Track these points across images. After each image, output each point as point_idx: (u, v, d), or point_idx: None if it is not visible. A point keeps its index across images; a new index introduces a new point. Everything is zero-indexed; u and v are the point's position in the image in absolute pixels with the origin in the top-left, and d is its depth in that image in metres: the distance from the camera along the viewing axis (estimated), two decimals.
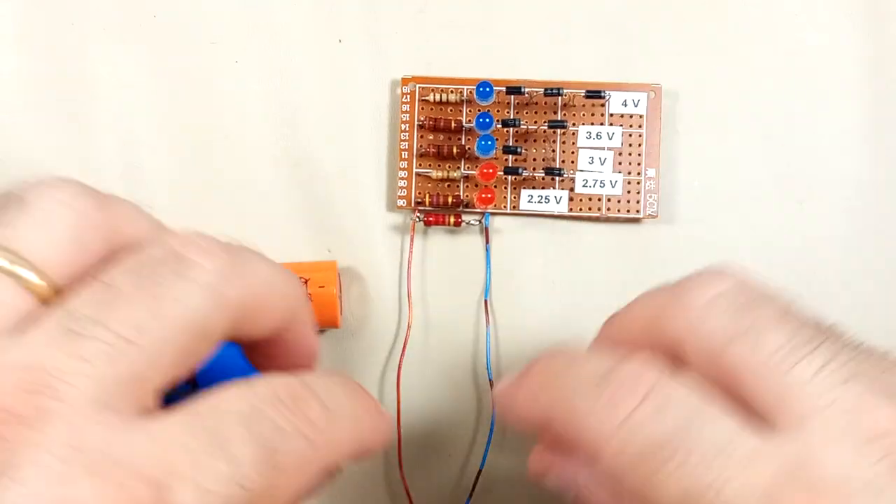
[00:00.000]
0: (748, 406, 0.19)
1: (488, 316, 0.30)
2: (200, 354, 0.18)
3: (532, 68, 0.31)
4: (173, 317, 0.17)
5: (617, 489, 0.21)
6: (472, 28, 0.31)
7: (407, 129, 0.31)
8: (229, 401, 0.18)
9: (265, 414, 0.18)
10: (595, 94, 0.30)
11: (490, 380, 0.30)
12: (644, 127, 0.30)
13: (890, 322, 0.30)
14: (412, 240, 0.30)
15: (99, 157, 0.31)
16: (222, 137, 0.31)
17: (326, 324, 0.29)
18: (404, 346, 0.30)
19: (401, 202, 0.31)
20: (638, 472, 0.19)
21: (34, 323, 0.17)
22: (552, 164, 0.30)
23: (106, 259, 0.18)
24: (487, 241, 0.30)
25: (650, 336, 0.21)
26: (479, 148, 0.29)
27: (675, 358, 0.20)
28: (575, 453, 0.22)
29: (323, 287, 0.29)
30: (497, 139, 0.30)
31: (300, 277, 0.28)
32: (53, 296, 0.18)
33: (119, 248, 0.19)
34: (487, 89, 0.29)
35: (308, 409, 0.19)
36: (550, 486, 0.25)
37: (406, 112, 0.31)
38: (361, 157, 0.31)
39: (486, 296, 0.30)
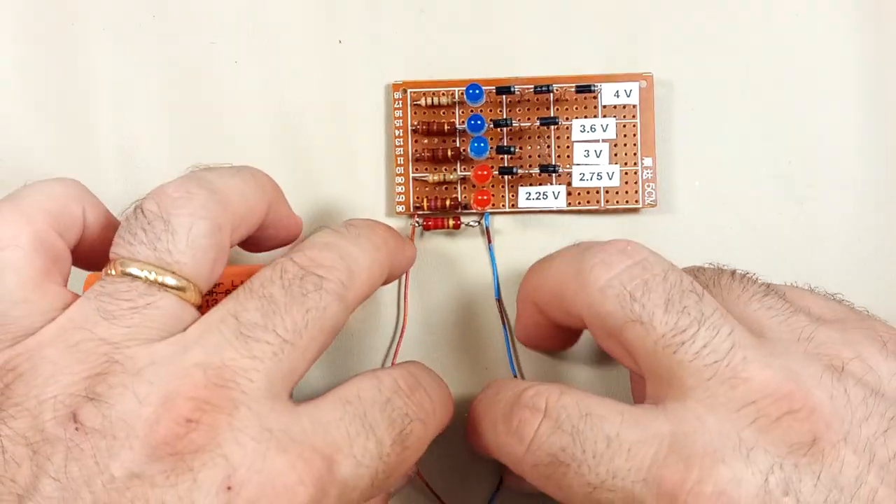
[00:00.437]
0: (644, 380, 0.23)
1: (503, 315, 0.30)
2: (329, 344, 0.23)
3: (534, 66, 0.31)
4: (319, 321, 0.22)
5: None
6: (472, 28, 0.31)
7: (401, 134, 0.31)
8: (368, 391, 0.22)
9: (394, 403, 0.22)
10: (585, 89, 0.30)
11: (514, 376, 0.30)
12: (637, 117, 0.30)
13: (890, 322, 0.30)
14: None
15: (98, 156, 0.31)
16: (222, 137, 0.31)
17: None
18: (397, 349, 0.30)
19: (399, 208, 0.31)
20: (551, 481, 0.22)
21: (207, 328, 0.21)
22: (547, 161, 0.30)
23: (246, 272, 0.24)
24: (490, 241, 0.30)
25: (559, 307, 0.25)
26: (472, 150, 0.29)
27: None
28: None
29: None
30: (491, 139, 0.30)
31: None
32: (202, 301, 0.23)
33: (239, 233, 0.24)
34: (477, 91, 0.29)
35: (421, 399, 0.23)
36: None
37: (399, 118, 0.31)
38: (361, 161, 0.31)
39: (496, 295, 0.30)
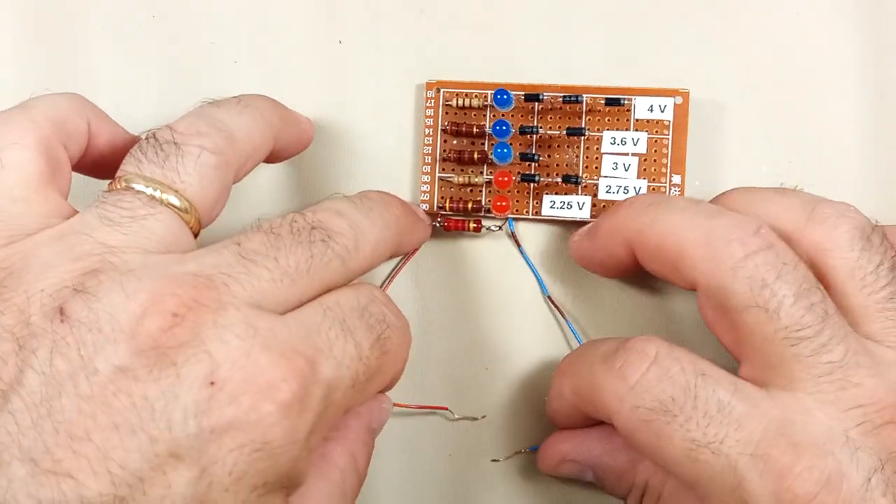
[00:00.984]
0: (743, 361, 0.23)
1: (560, 309, 0.30)
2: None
3: (534, 67, 0.31)
4: (320, 272, 0.22)
5: (629, 456, 0.26)
6: (472, 29, 0.31)
7: (431, 133, 0.31)
8: (345, 298, 0.23)
9: (371, 310, 0.23)
10: (615, 102, 0.29)
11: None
12: (671, 133, 0.30)
13: None
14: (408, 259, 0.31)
15: None
16: None
17: None
18: None
19: (423, 206, 0.31)
20: (648, 429, 0.22)
21: (207, 249, 0.22)
22: (574, 171, 0.30)
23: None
24: (519, 245, 0.31)
25: (667, 261, 0.25)
26: (495, 155, 0.29)
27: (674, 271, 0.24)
28: (590, 434, 0.27)
29: None
30: (520, 145, 0.30)
31: None
32: (199, 228, 0.23)
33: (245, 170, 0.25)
34: (505, 96, 0.29)
35: (396, 310, 0.24)
36: (567, 474, 0.28)
37: (430, 117, 0.31)
38: (361, 161, 0.31)
39: (545, 292, 0.31)
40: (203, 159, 0.23)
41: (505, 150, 0.29)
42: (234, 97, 0.26)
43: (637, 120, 0.30)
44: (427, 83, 0.31)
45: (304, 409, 0.20)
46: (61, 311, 0.20)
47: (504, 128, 0.29)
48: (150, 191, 0.22)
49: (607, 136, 0.30)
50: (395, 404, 0.30)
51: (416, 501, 0.30)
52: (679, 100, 0.30)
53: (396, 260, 0.31)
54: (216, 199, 0.24)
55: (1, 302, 0.20)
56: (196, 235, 0.23)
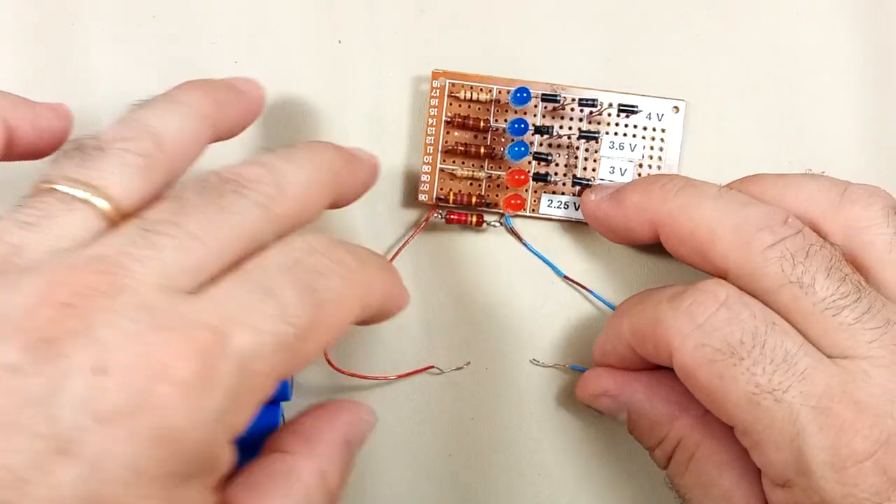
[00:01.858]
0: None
1: (577, 282, 0.31)
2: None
3: (539, 68, 0.31)
4: (232, 225, 0.20)
5: (669, 410, 0.27)
6: (472, 29, 0.31)
7: (434, 123, 0.30)
8: (270, 256, 0.21)
9: (303, 262, 0.21)
10: (629, 109, 0.30)
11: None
12: (666, 140, 0.31)
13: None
14: (413, 235, 0.31)
15: None
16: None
17: None
18: None
19: (423, 197, 0.30)
20: (711, 369, 0.23)
21: (111, 232, 0.20)
22: (574, 171, 0.31)
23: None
24: (521, 238, 0.31)
25: (699, 252, 0.25)
26: (511, 153, 0.29)
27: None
28: (638, 377, 0.28)
29: None
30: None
31: None
32: (121, 221, 0.21)
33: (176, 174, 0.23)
34: (524, 94, 0.29)
35: (341, 254, 0.22)
36: (601, 408, 0.29)
37: (434, 107, 0.30)
38: None
39: (560, 273, 0.31)
40: (127, 161, 0.21)
41: (522, 149, 0.29)
42: (164, 94, 0.24)
43: (635, 126, 0.31)
44: (433, 72, 0.30)
45: (209, 387, 0.18)
46: None
47: (522, 126, 0.29)
48: (67, 189, 0.21)
49: (606, 140, 0.31)
50: (379, 377, 0.30)
51: (416, 501, 0.30)
52: (676, 108, 0.31)
53: (399, 235, 0.31)
54: (142, 195, 0.22)
55: None
56: None
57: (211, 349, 0.19)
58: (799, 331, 0.23)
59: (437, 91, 0.30)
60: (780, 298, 0.23)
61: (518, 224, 0.31)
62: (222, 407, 0.19)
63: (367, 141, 0.31)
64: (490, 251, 0.31)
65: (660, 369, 0.27)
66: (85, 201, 0.21)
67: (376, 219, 0.31)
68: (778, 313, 0.24)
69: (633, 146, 0.31)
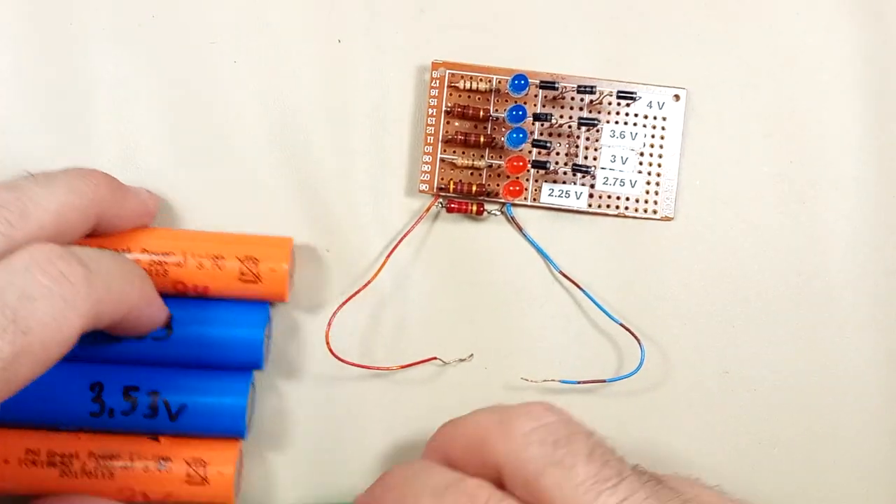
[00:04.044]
0: None
1: (575, 282, 0.30)
2: None
3: (539, 68, 0.31)
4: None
5: None
6: (472, 29, 0.31)
7: (434, 113, 0.31)
8: None
9: (14, 284, 0.21)
10: (627, 96, 0.30)
11: (619, 323, 0.30)
12: (667, 129, 0.31)
13: (892, 321, 0.31)
14: (414, 226, 0.31)
15: (97, 156, 0.30)
16: (221, 137, 0.31)
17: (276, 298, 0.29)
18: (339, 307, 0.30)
19: (423, 186, 0.30)
20: None
21: None
22: (575, 160, 0.31)
23: None
24: (521, 229, 0.31)
25: (475, 457, 0.24)
26: (509, 140, 0.29)
27: (497, 483, 0.23)
28: None
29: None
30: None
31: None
32: None
33: None
34: (522, 82, 0.29)
35: (65, 268, 0.22)
36: None
37: (434, 97, 0.31)
38: (359, 159, 0.31)
39: (556, 268, 0.31)
40: None
41: (520, 135, 0.29)
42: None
43: (636, 115, 0.31)
44: (433, 63, 0.31)
45: None
46: None
47: (520, 113, 0.29)
48: None
49: (607, 129, 0.31)
50: (381, 367, 0.30)
51: None
52: (676, 97, 0.31)
53: (404, 224, 0.31)
54: None
55: None
56: None
57: None
58: None
59: (437, 81, 0.31)
60: (544, 482, 0.22)
61: (519, 213, 0.31)
62: None
63: (368, 140, 0.31)
64: (491, 241, 0.31)
65: None
66: None
67: (381, 209, 0.31)
68: (546, 502, 0.22)
69: (633, 135, 0.31)
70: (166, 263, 0.28)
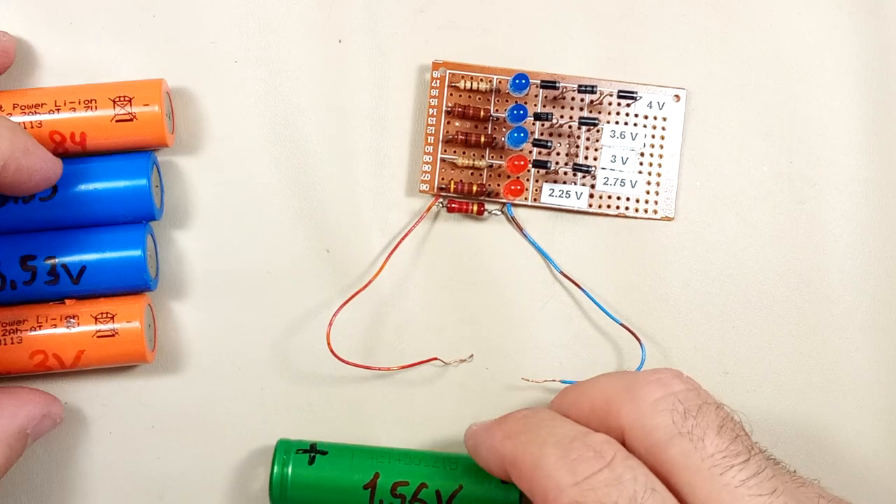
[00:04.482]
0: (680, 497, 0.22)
1: (576, 282, 0.30)
2: None
3: (539, 67, 0.31)
4: None
5: None
6: (471, 30, 0.31)
7: (435, 113, 0.31)
8: None
9: None
10: (628, 95, 0.30)
11: (619, 323, 0.30)
12: (667, 129, 0.31)
13: (892, 321, 0.31)
14: (415, 225, 0.31)
15: None
16: (221, 137, 0.31)
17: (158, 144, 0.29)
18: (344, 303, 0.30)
19: (423, 186, 0.30)
20: None
21: None
22: (576, 160, 0.31)
23: None
24: (521, 229, 0.31)
25: (599, 420, 0.24)
26: (510, 139, 0.29)
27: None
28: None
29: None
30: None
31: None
32: None
33: None
34: (523, 81, 0.29)
35: None
36: None
37: (435, 97, 0.31)
38: (359, 160, 0.31)
39: (557, 268, 0.31)
40: None
41: (521, 135, 0.29)
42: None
43: (636, 115, 0.31)
44: (433, 63, 0.31)
45: None
46: None
47: (521, 112, 0.29)
48: None
49: (607, 129, 0.31)
50: (381, 368, 0.30)
51: None
52: (677, 97, 0.31)
53: (405, 224, 0.31)
54: None
55: None
56: None
57: None
58: (686, 490, 0.22)
59: (438, 81, 0.31)
60: (670, 452, 0.22)
61: (520, 214, 0.31)
62: None
63: (369, 139, 0.31)
64: (491, 241, 0.31)
65: None
66: None
67: (381, 209, 0.31)
68: (669, 471, 0.22)
69: (634, 135, 0.31)
70: (40, 114, 0.28)
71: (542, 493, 0.22)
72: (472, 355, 0.30)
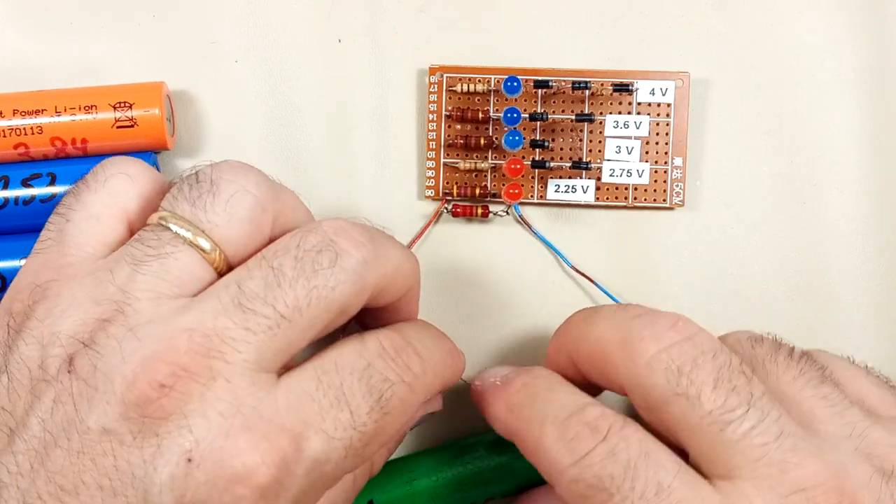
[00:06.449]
0: (684, 454, 0.22)
1: (584, 274, 0.30)
2: (338, 325, 0.23)
3: (538, 66, 0.31)
4: (325, 301, 0.21)
5: None
6: (471, 29, 0.31)
7: (434, 118, 0.31)
8: (348, 357, 0.22)
9: (376, 367, 0.22)
10: (623, 88, 0.30)
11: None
12: (672, 116, 0.30)
13: (892, 322, 0.30)
14: (423, 232, 0.31)
15: None
16: (221, 137, 0.31)
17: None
18: None
19: (429, 192, 0.31)
20: (584, 502, 0.22)
21: (209, 293, 0.21)
22: (578, 155, 0.30)
23: (272, 239, 0.23)
24: (530, 227, 0.31)
25: (599, 373, 0.24)
26: (506, 143, 0.29)
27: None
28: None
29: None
30: (524, 130, 0.30)
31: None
32: (226, 268, 0.22)
33: (281, 230, 0.23)
34: (515, 83, 0.29)
35: (408, 360, 0.23)
36: None
37: (433, 102, 0.31)
38: (359, 160, 0.31)
39: (569, 263, 0.31)
40: (237, 199, 0.22)
41: (517, 138, 0.29)
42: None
43: (639, 104, 0.30)
44: (430, 68, 0.31)
45: (283, 489, 0.20)
46: (70, 362, 0.20)
47: (515, 115, 0.29)
48: (175, 227, 0.22)
49: (610, 119, 0.30)
50: None
51: None
52: (680, 83, 0.30)
53: (416, 228, 0.31)
54: (246, 240, 0.23)
55: (26, 330, 0.21)
56: (221, 275, 0.22)
57: (288, 455, 0.20)
58: (688, 448, 0.22)
59: (435, 86, 0.31)
60: (669, 412, 0.22)
61: (527, 212, 0.31)
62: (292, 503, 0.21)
63: (370, 140, 0.31)
64: (498, 241, 0.31)
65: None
66: (190, 242, 0.22)
67: (384, 210, 0.31)
68: (670, 429, 0.22)
69: (638, 124, 0.30)
70: (40, 119, 0.28)
71: (546, 471, 0.23)
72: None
